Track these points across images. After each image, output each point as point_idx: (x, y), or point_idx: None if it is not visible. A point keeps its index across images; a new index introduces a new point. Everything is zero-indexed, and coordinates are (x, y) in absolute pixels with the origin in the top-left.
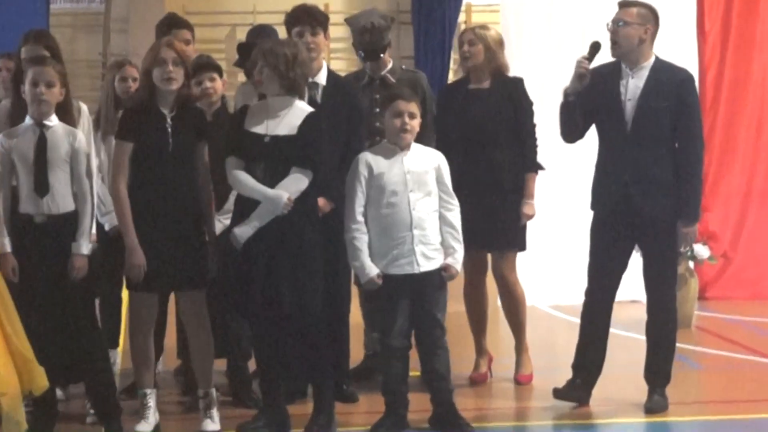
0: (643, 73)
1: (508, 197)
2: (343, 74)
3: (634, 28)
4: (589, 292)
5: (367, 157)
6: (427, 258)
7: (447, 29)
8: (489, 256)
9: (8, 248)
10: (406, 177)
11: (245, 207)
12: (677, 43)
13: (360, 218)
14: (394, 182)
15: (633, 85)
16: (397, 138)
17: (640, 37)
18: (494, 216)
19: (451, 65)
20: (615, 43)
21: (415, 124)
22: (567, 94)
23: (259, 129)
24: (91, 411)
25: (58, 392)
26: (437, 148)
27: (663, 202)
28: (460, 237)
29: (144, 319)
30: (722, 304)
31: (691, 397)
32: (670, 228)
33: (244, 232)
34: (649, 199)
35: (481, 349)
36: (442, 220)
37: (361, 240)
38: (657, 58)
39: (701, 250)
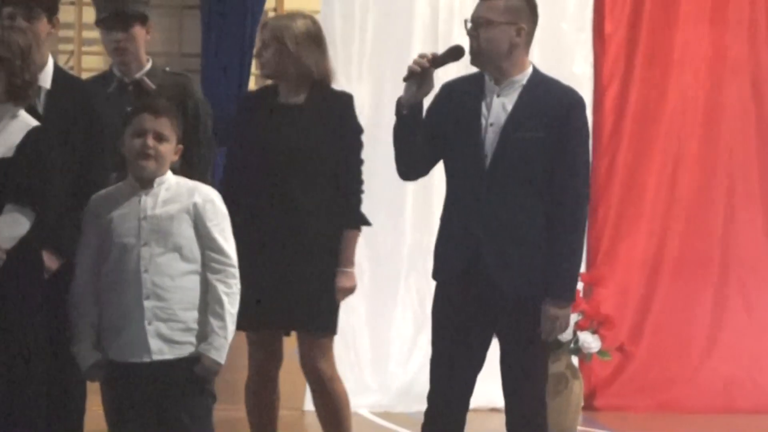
0: (514, 91)
1: (321, 258)
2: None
3: (501, 30)
4: (433, 397)
5: (98, 196)
6: (168, 342)
7: (249, 17)
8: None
9: None
10: (141, 224)
11: None
12: (568, 48)
13: (85, 283)
14: (123, 232)
15: (498, 105)
16: (135, 166)
17: (510, 41)
18: (301, 283)
19: (253, 68)
20: (476, 51)
21: (165, 150)
22: (400, 105)
23: None
24: None
25: None
26: (222, 183)
27: (528, 271)
28: (226, 313)
29: None
30: (617, 417)
31: None
32: (537, 309)
33: None
34: (508, 266)
35: None
36: (204, 287)
37: (83, 314)
38: (535, 71)
39: (589, 341)
